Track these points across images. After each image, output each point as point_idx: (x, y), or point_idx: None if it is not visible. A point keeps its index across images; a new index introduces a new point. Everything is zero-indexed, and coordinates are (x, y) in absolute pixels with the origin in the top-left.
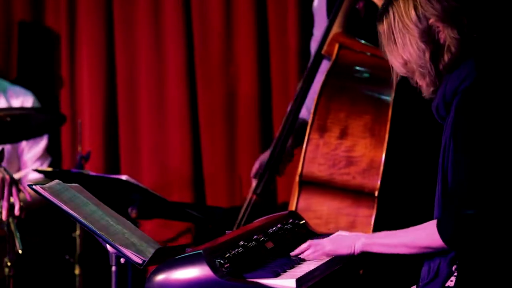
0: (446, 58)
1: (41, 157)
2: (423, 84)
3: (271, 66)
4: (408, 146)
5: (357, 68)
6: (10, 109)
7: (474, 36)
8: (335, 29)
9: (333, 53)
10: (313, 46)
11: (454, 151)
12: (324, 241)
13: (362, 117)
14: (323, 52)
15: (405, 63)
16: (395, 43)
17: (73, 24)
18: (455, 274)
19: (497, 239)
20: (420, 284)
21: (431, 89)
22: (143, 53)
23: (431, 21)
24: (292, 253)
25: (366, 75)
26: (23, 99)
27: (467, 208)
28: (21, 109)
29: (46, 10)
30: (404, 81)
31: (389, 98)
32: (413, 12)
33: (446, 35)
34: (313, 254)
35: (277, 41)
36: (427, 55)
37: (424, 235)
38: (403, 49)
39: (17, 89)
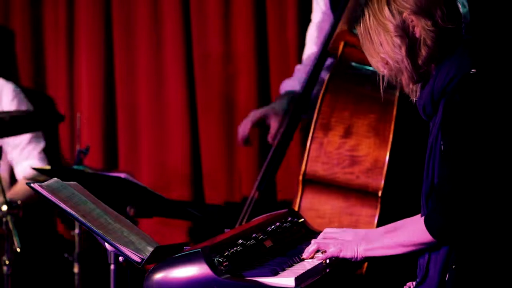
0: (423, 52)
1: (32, 139)
2: (403, 80)
3: (270, 65)
4: (413, 146)
5: (362, 66)
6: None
7: (450, 28)
8: (341, 26)
9: (338, 51)
10: (309, 33)
11: (443, 148)
12: (330, 241)
13: (366, 116)
14: (328, 49)
15: (386, 63)
16: (372, 41)
17: (72, 20)
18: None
19: (484, 231)
20: (417, 280)
21: (410, 85)
22: (142, 50)
23: (404, 15)
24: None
25: (371, 73)
26: (0, 90)
27: (453, 202)
28: (21, 111)
29: (45, 6)
30: None
31: (394, 97)
32: (386, 8)
33: (421, 28)
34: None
35: (276, 39)
36: (403, 50)
37: (416, 233)
38: (380, 47)
39: None
